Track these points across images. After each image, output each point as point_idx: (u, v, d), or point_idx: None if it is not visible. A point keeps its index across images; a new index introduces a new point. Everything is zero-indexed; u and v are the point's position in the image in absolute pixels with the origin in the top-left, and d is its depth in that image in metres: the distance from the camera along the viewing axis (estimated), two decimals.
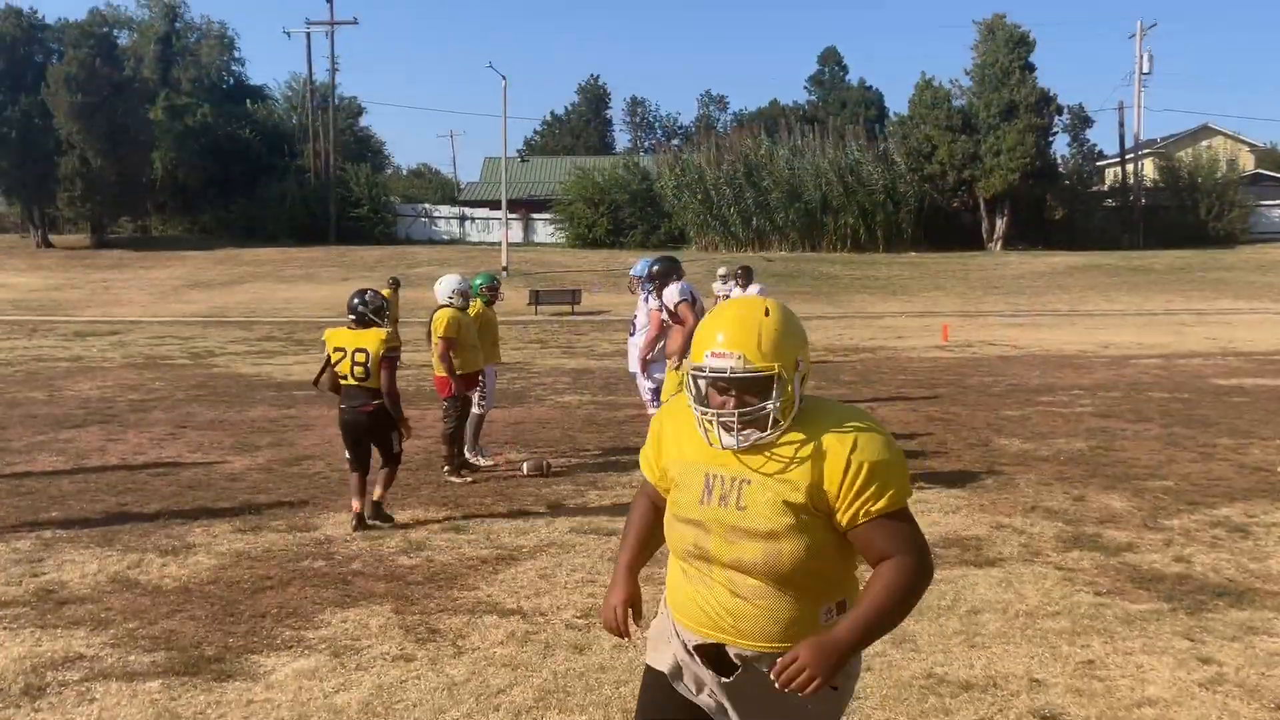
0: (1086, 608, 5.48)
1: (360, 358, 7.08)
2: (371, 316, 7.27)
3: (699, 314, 7.91)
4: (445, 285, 9.04)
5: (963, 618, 5.34)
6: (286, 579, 6.05)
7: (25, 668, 4.69)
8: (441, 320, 8.75)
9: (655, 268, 8.42)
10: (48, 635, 5.11)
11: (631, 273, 9.65)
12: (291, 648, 4.97)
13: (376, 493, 7.32)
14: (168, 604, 5.59)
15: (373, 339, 7.12)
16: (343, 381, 7.22)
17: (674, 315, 7.94)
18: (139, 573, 6.14)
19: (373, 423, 7.20)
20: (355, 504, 7.21)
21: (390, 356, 7.14)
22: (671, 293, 8.04)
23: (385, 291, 19.56)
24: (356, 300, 7.35)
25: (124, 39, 54.81)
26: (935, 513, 7.55)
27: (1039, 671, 4.67)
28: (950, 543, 6.74)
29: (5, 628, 5.19)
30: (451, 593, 5.79)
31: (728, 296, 14.05)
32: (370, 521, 7.18)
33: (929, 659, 4.81)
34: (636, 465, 8.90)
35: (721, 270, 19.01)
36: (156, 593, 5.79)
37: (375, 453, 7.38)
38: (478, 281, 9.88)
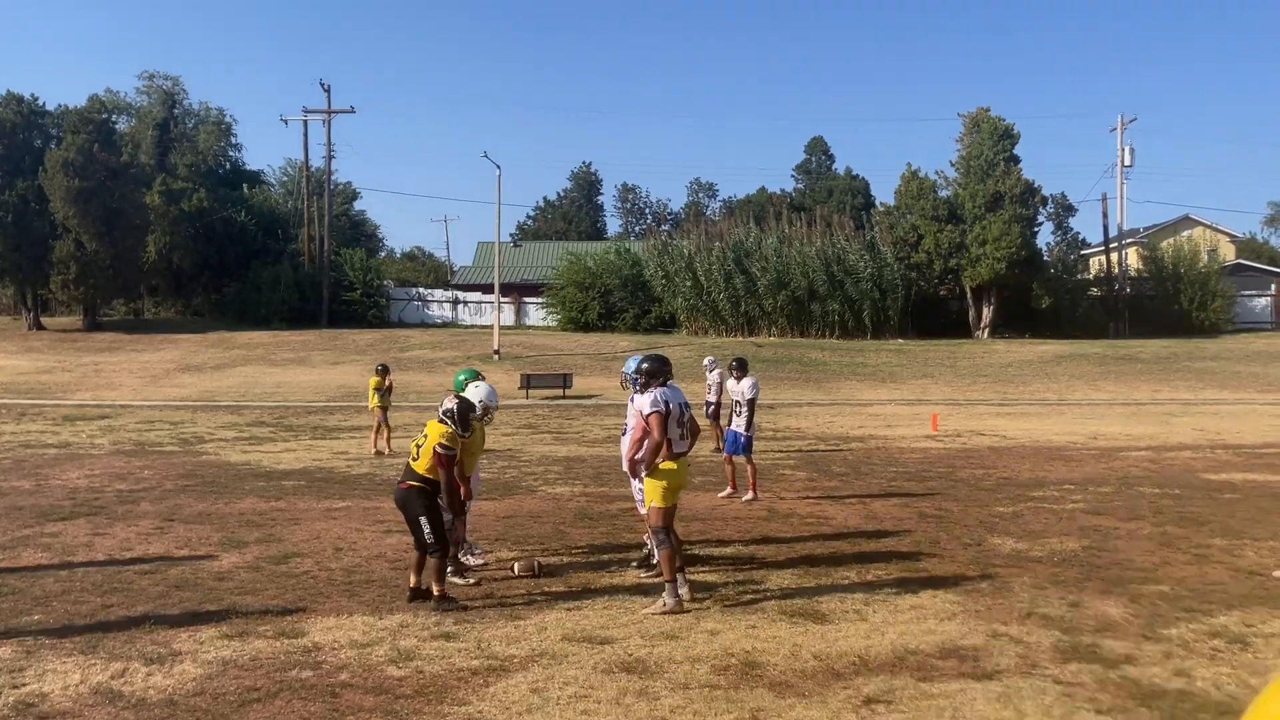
0: None
1: (420, 439, 8.20)
2: (443, 417, 8.20)
3: (673, 421, 7.94)
4: (475, 393, 9.01)
5: None
6: (274, 690, 5.94)
7: None
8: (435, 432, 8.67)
9: (644, 365, 8.42)
10: None
11: (624, 371, 9.66)
12: None
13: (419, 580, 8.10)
14: (152, 718, 5.47)
15: (433, 433, 8.10)
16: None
17: (646, 421, 7.95)
18: (123, 683, 6.02)
19: (404, 499, 8.11)
20: (412, 579, 8.09)
21: (441, 452, 7.99)
22: (643, 402, 8.06)
23: (374, 380, 19.59)
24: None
25: (123, 124, 55.55)
26: (931, 619, 7.48)
27: None
28: (947, 653, 6.66)
29: None
30: (441, 708, 5.68)
31: (719, 384, 14.13)
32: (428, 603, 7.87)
33: None
34: (627, 566, 8.85)
35: (707, 360, 19.15)
36: (140, 706, 5.67)
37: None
38: (463, 377, 9.66)
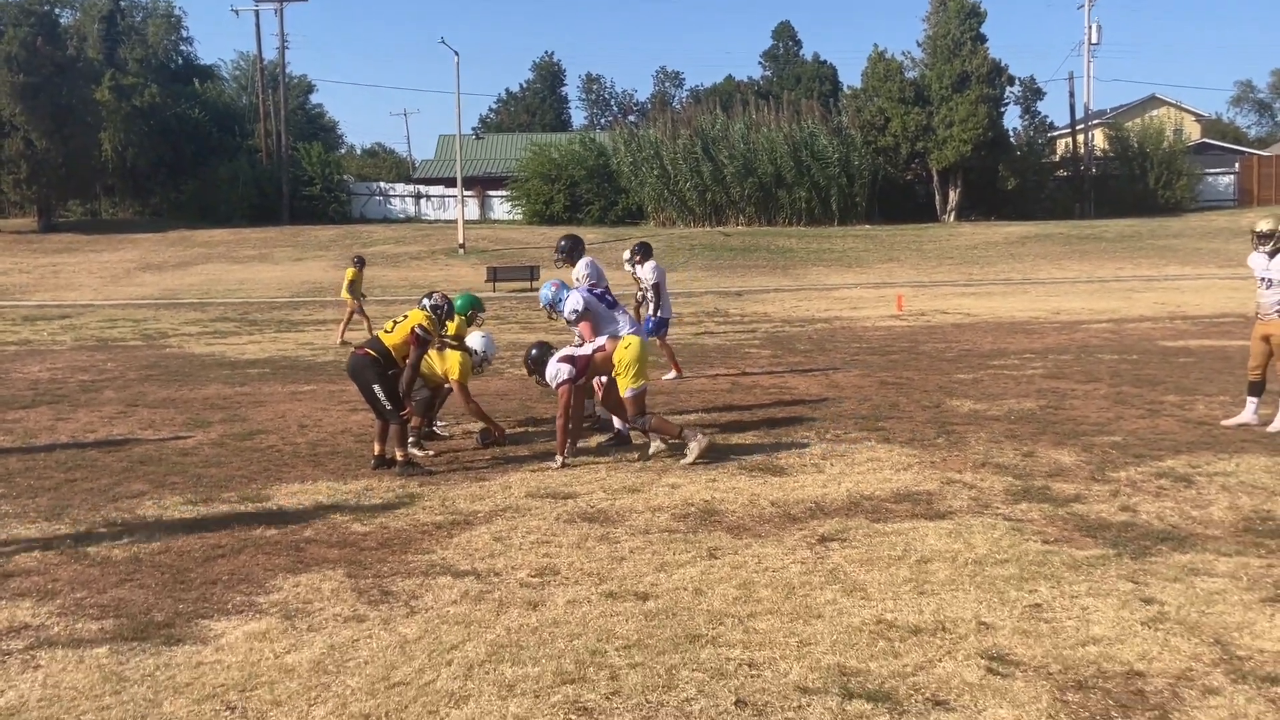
0: (1034, 555, 5.57)
1: (399, 318, 8.36)
2: (428, 309, 8.46)
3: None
4: (476, 341, 9.12)
5: (912, 567, 5.41)
6: (238, 547, 6.01)
7: None
8: (455, 363, 8.81)
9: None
10: None
11: (544, 303, 9.46)
12: (242, 612, 4.94)
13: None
14: (117, 574, 5.53)
15: (415, 315, 8.33)
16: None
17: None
18: (87, 544, 6.07)
19: (356, 366, 8.13)
20: (376, 447, 8.16)
21: (419, 333, 8.13)
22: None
23: (350, 272, 19.44)
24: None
25: (67, 18, 53.56)
26: (887, 469, 7.64)
27: (987, 615, 4.74)
28: (901, 498, 6.82)
29: None
30: (405, 556, 5.78)
31: (634, 275, 13.26)
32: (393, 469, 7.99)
33: (879, 605, 4.87)
34: (589, 434, 8.91)
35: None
36: (106, 563, 5.73)
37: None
38: (460, 303, 9.63)
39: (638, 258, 13.06)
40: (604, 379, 8.54)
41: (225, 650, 4.45)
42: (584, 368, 8.23)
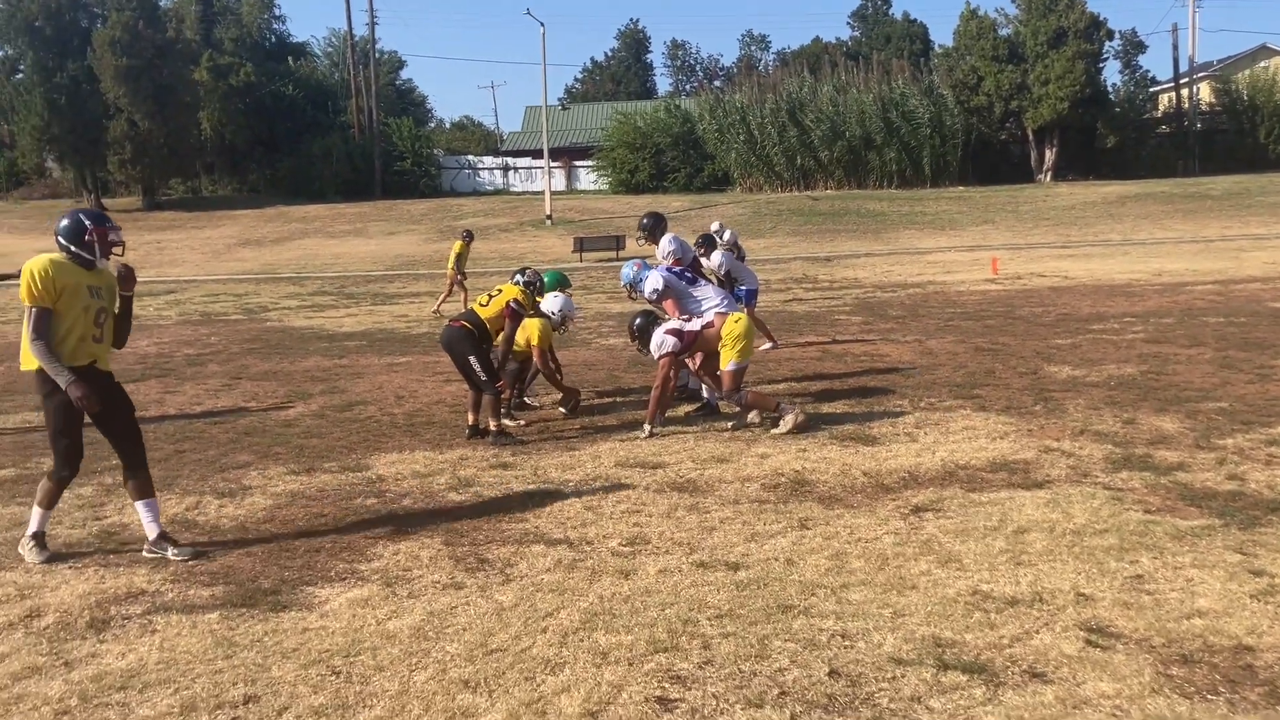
0: (1135, 525, 5.44)
1: (494, 291, 8.56)
2: (522, 284, 8.75)
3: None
4: (551, 303, 9.16)
5: (1009, 537, 5.32)
6: (340, 516, 6.19)
7: (90, 603, 4.85)
8: (535, 329, 8.89)
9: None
10: (110, 573, 5.27)
11: (625, 282, 9.42)
12: (345, 579, 5.09)
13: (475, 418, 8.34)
14: (226, 542, 5.74)
15: (510, 290, 8.53)
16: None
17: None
18: (197, 514, 6.31)
19: (450, 338, 8.26)
20: (470, 416, 8.34)
21: (514, 307, 8.31)
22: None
23: (458, 245, 19.76)
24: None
25: (165, 1, 54.98)
26: (982, 438, 7.51)
27: (1086, 587, 4.65)
28: (997, 467, 6.71)
29: (71, 567, 5.37)
30: (499, 525, 5.88)
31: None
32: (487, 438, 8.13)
33: (974, 576, 4.81)
34: (677, 403, 8.93)
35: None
36: (214, 532, 5.95)
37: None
38: (548, 279, 9.73)
39: (703, 249, 12.53)
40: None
41: (330, 616, 4.60)
42: (690, 342, 8.27)
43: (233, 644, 4.33)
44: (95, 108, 46.16)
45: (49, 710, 3.79)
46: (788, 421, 7.94)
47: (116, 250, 5.56)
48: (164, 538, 5.57)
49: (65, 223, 5.46)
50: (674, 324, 8.39)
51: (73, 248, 5.40)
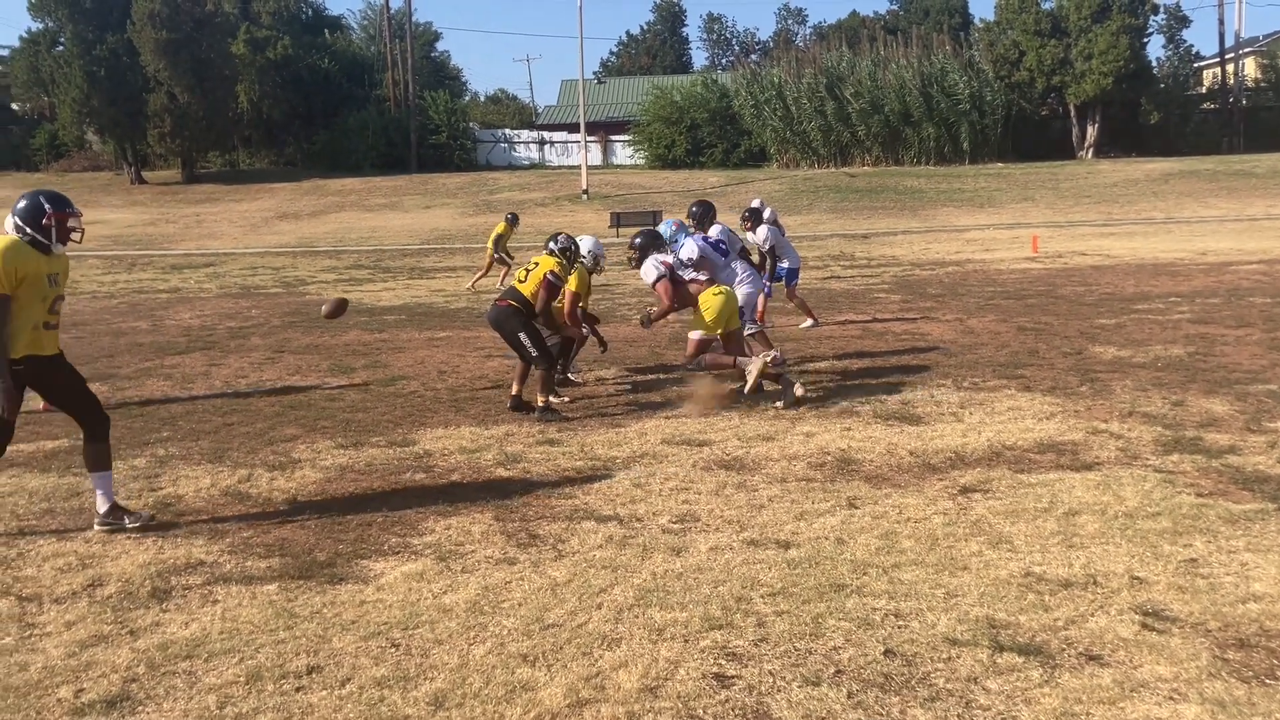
0: (1188, 508, 5.41)
1: (530, 265, 8.53)
2: (555, 251, 8.67)
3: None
4: (586, 243, 9.29)
5: (1059, 519, 5.31)
6: (389, 490, 6.26)
7: (151, 573, 4.94)
8: (573, 277, 8.94)
9: (638, 241, 8.88)
10: (169, 544, 5.36)
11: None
12: (399, 553, 5.15)
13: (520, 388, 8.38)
14: (279, 514, 5.82)
15: (545, 262, 8.48)
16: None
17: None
18: (249, 486, 6.40)
19: (499, 317, 8.29)
20: (514, 387, 8.37)
21: (551, 280, 8.30)
22: (645, 272, 8.65)
23: (501, 226, 19.77)
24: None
25: None
26: (1029, 419, 7.48)
27: (1140, 570, 4.63)
28: (1045, 448, 6.68)
29: (129, 537, 5.47)
30: (549, 500, 5.93)
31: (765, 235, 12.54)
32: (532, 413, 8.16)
33: (1026, 558, 4.81)
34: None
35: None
36: (267, 504, 6.03)
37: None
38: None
39: (749, 224, 12.44)
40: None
41: (386, 590, 4.66)
42: (674, 280, 8.46)
43: (293, 615, 4.40)
44: (135, 81, 46.55)
45: (118, 678, 3.88)
46: (752, 372, 8.10)
47: (75, 238, 5.44)
48: (116, 509, 5.57)
49: (23, 204, 5.31)
50: (669, 258, 8.64)
51: (29, 230, 5.28)
